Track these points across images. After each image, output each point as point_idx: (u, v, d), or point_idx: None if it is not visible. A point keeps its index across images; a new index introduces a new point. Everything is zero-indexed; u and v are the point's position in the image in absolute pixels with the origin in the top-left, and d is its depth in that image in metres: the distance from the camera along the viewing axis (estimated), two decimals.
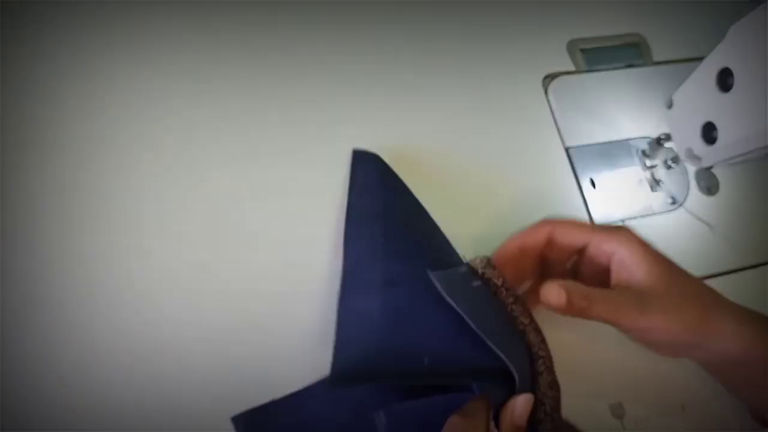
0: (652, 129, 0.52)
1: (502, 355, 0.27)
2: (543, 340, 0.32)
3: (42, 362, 0.36)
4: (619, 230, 0.36)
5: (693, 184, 0.51)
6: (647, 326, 0.33)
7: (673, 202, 0.50)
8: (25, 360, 0.36)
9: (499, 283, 0.32)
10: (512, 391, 0.29)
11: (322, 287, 0.41)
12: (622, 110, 0.53)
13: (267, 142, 0.45)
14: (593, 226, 0.39)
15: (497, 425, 0.30)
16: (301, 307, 0.40)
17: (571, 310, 0.32)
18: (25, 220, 0.39)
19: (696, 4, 0.59)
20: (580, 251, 0.37)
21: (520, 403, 0.29)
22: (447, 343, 0.29)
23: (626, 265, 0.34)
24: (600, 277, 0.36)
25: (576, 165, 0.50)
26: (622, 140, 0.52)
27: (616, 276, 0.35)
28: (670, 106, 0.42)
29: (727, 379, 0.37)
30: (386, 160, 0.45)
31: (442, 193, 0.46)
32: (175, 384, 0.37)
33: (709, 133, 0.38)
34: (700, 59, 0.38)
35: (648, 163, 0.51)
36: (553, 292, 0.31)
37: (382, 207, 0.34)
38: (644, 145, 0.51)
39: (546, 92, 0.52)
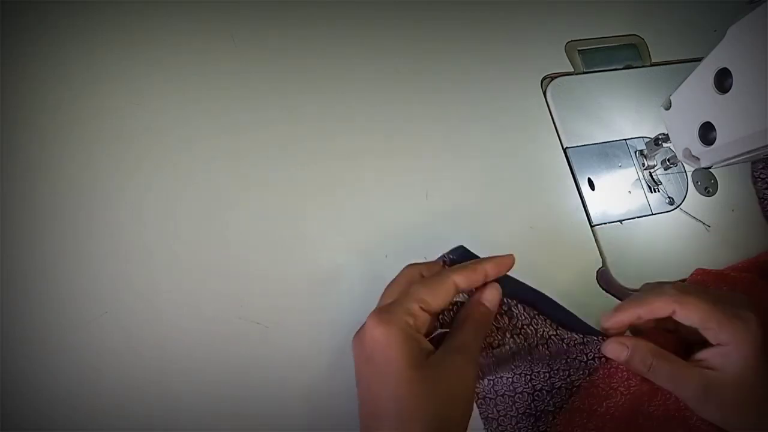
0: (651, 130, 0.52)
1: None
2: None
3: (42, 361, 0.36)
4: (738, 320, 0.34)
5: (691, 184, 0.52)
6: (705, 414, 0.34)
7: (671, 203, 0.50)
8: (25, 359, 0.36)
9: None
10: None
11: (324, 287, 0.41)
12: (621, 111, 0.53)
13: (269, 142, 0.45)
14: (715, 306, 0.34)
15: None
16: (301, 306, 0.40)
17: (630, 367, 0.35)
18: (26, 220, 0.39)
19: (694, 5, 0.59)
20: None
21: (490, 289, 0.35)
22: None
23: (727, 357, 0.33)
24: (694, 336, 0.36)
25: (574, 165, 0.50)
26: (621, 141, 0.52)
27: (709, 356, 0.34)
28: (668, 106, 0.42)
29: None
30: (385, 159, 0.46)
31: (441, 192, 0.46)
32: (176, 383, 0.37)
33: (707, 133, 0.38)
34: (698, 60, 0.38)
35: (646, 163, 0.51)
36: (614, 348, 0.36)
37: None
38: (642, 146, 0.52)
39: (545, 93, 0.52)
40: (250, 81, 0.47)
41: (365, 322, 0.31)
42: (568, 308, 0.38)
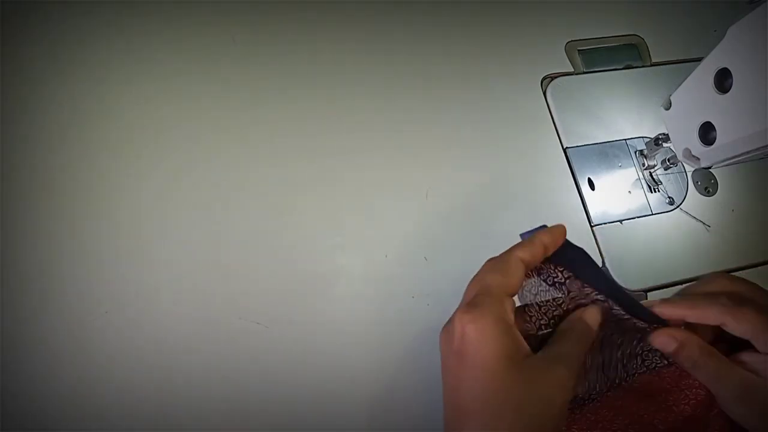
0: (651, 130, 0.52)
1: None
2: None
3: (43, 361, 0.36)
4: None
5: (691, 184, 0.52)
6: (737, 416, 0.32)
7: (671, 203, 0.50)
8: (26, 359, 0.36)
9: None
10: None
11: (324, 287, 0.41)
12: (621, 111, 0.53)
13: (270, 142, 0.45)
14: (762, 317, 0.33)
15: None
16: (301, 306, 0.40)
17: (675, 359, 0.34)
18: (27, 220, 0.39)
19: (694, 5, 0.59)
20: None
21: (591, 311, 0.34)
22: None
23: None
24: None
25: (574, 165, 0.50)
26: (621, 141, 0.52)
27: (753, 360, 0.33)
28: (668, 106, 0.42)
29: None
30: (385, 159, 0.46)
31: (441, 192, 0.46)
32: (176, 383, 0.37)
33: (707, 133, 0.38)
34: (698, 60, 0.38)
35: (646, 163, 0.51)
36: (663, 340, 0.33)
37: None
38: (642, 146, 0.52)
39: (545, 93, 0.52)
40: (250, 80, 0.47)
41: (453, 317, 0.30)
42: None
